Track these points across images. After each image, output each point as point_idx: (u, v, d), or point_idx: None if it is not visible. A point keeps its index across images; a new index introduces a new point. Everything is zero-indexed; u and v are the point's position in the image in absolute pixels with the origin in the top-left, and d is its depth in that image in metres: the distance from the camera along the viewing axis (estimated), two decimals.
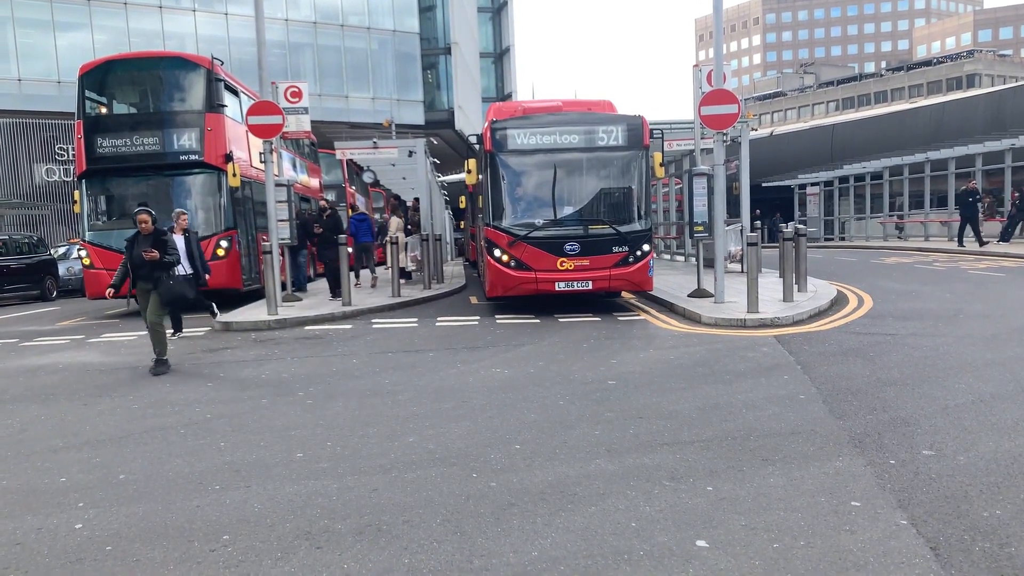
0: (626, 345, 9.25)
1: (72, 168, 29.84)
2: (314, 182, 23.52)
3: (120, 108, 16.50)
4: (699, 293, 12.53)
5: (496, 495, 4.41)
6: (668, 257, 23.64)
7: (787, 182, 39.88)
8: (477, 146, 13.85)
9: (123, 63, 17.00)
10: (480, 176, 12.52)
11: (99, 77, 15.79)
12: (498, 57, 61.01)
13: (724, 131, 11.47)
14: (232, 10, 37.82)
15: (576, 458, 5.02)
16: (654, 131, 12.10)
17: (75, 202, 15.31)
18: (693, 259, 19.82)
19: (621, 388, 6.99)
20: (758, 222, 30.53)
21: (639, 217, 11.91)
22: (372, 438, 5.67)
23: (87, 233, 15.32)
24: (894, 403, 6.11)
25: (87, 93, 15.41)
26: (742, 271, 15.25)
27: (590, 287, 11.57)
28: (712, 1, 11.42)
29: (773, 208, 40.55)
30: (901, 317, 10.52)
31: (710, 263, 12.70)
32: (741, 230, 16.17)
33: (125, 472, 5.08)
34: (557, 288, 11.55)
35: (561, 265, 11.46)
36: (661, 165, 12.36)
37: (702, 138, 14.93)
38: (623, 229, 11.66)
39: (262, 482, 4.79)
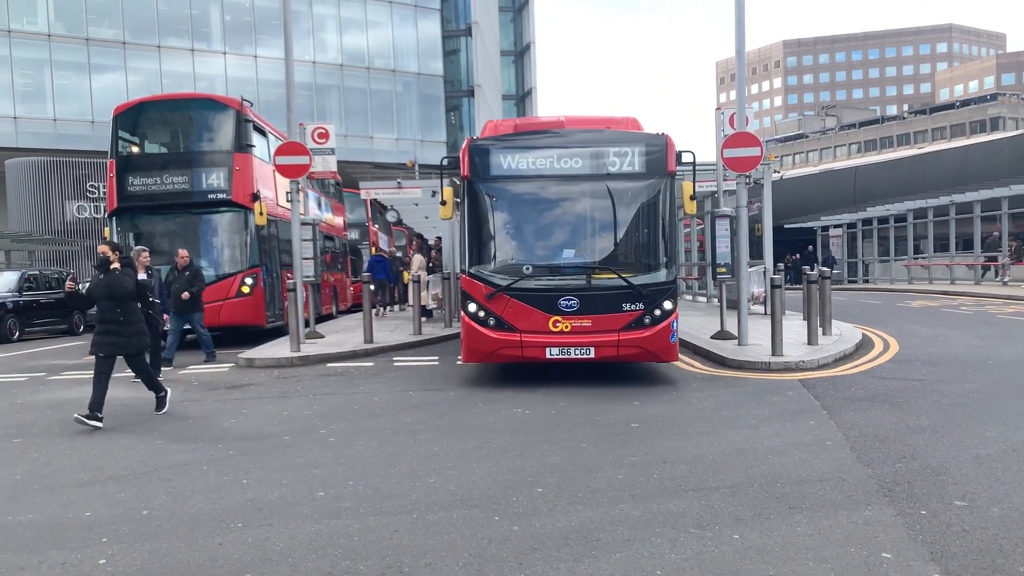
0: (647, 387, 9.18)
1: (102, 205, 30.48)
2: (338, 220, 23.81)
3: (152, 147, 16.88)
4: (722, 335, 12.45)
5: (519, 539, 4.37)
6: (690, 298, 23.56)
7: (809, 224, 39.75)
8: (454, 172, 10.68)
9: (155, 104, 17.45)
10: (457, 210, 9.75)
11: (132, 117, 16.19)
12: (520, 99, 61.81)
13: (747, 173, 11.50)
14: (260, 53, 38.77)
15: (600, 503, 4.96)
16: (683, 155, 9.42)
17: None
18: (715, 300, 19.76)
19: (644, 431, 6.93)
20: (783, 263, 30.35)
21: (660, 265, 9.22)
22: (393, 478, 5.65)
23: None
24: (924, 451, 6.00)
25: (120, 133, 15.79)
26: (765, 313, 15.16)
27: (592, 355, 8.96)
28: (734, 44, 11.55)
29: (794, 250, 40.37)
30: (929, 362, 10.37)
31: (732, 304, 12.64)
32: (764, 272, 16.10)
33: (148, 508, 5.09)
34: (548, 355, 8.97)
35: (554, 325, 8.90)
36: (692, 198, 9.79)
37: (724, 180, 14.97)
38: (638, 280, 9.01)
39: (284, 521, 4.78)
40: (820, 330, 12.06)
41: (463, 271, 9.41)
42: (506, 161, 9.27)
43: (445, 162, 10.22)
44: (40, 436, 7.48)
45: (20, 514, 5.05)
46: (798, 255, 38.59)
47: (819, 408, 7.67)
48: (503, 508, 4.89)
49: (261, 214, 14.52)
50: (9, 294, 19.54)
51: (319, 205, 20.33)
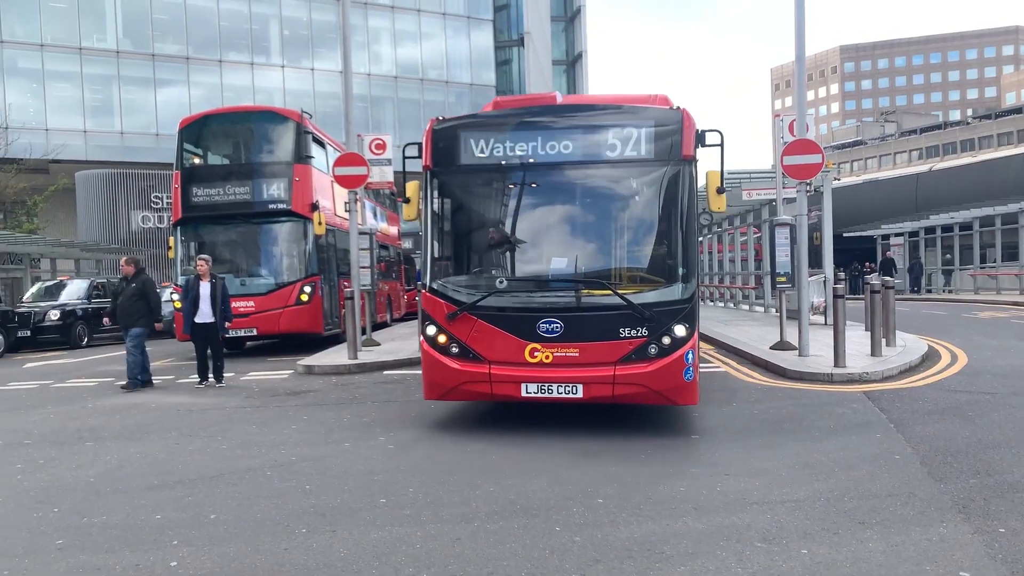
0: (707, 398, 9.02)
1: (165, 215, 31.43)
2: (393, 230, 24.11)
3: (215, 159, 17.34)
4: (782, 345, 12.21)
5: (580, 550, 4.34)
6: (747, 307, 23.19)
7: (869, 232, 38.78)
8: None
9: (219, 117, 17.94)
10: (420, 208, 7.70)
11: (196, 130, 16.67)
12: None
13: (807, 181, 11.28)
14: (317, 65, 39.60)
15: (662, 515, 4.90)
16: (706, 134, 7.32)
17: (170, 248, 16.04)
18: (772, 310, 19.41)
19: (705, 443, 6.83)
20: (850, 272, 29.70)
21: (672, 278, 7.06)
22: (453, 486, 5.67)
23: (179, 277, 16.01)
24: (999, 466, 5.78)
25: (185, 145, 16.27)
26: (825, 323, 14.82)
27: (579, 395, 6.90)
28: (794, 50, 11.36)
29: (852, 259, 39.42)
30: (1000, 375, 10.00)
31: (791, 314, 12.38)
32: (824, 281, 15.75)
33: (216, 512, 5.21)
34: (523, 394, 7.01)
35: (531, 355, 6.93)
36: (720, 192, 7.42)
37: (784, 187, 14.71)
38: (641, 298, 6.92)
39: (347, 527, 4.83)
40: (884, 341, 11.73)
41: (423, 285, 7.51)
42: (477, 146, 7.36)
43: (407, 151, 7.77)
44: (110, 440, 7.72)
45: (95, 516, 5.21)
46: (867, 264, 37.69)
47: (885, 421, 7.45)
48: (563, 519, 4.87)
49: (320, 224, 14.78)
50: (79, 301, 20.27)
51: (375, 215, 20.62)
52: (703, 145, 7.29)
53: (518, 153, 7.30)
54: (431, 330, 7.33)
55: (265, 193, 15.62)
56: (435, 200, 7.60)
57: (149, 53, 36.89)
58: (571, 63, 62.44)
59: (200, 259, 11.40)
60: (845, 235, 37.56)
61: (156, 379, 11.89)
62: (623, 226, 7.56)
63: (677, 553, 4.25)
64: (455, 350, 7.22)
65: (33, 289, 22.63)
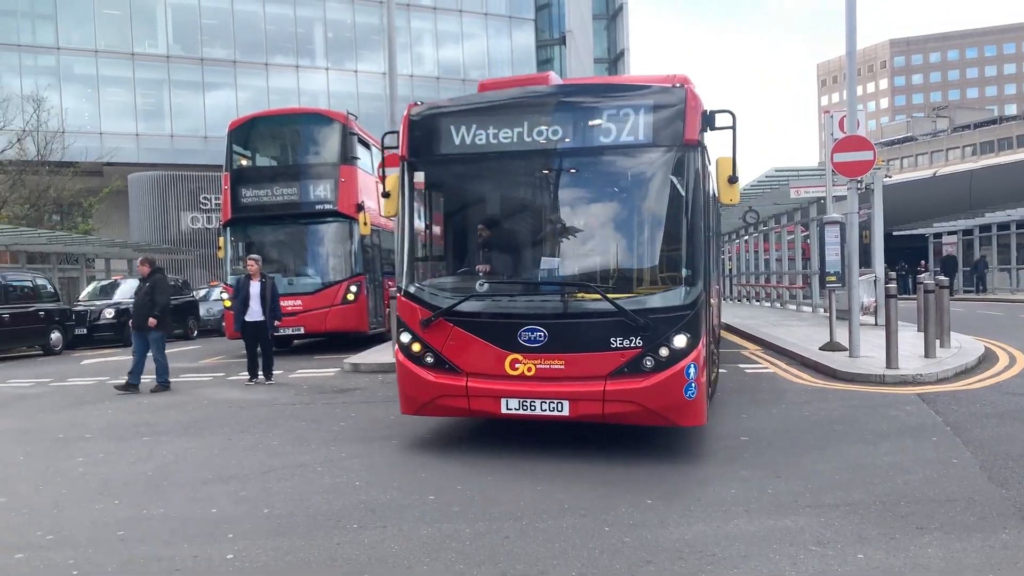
0: (755, 399, 8.93)
1: (214, 216, 32.10)
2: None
3: (263, 161, 17.64)
4: (831, 346, 11.99)
5: (631, 551, 4.32)
6: (794, 307, 22.83)
7: (921, 230, 37.85)
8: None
9: (267, 119, 18.25)
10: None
11: (245, 132, 16.99)
12: None
13: (858, 178, 11.07)
14: (361, 68, 40.05)
15: (712, 516, 4.86)
16: (716, 115, 6.38)
17: (219, 248, 16.37)
18: (821, 310, 19.07)
19: (754, 445, 6.74)
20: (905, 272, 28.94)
21: (673, 280, 6.22)
22: (501, 483, 5.69)
23: (229, 276, 16.33)
24: None
25: (234, 147, 16.58)
26: (875, 324, 14.52)
27: (565, 413, 6.16)
28: (845, 45, 11.14)
29: (901, 258, 38.51)
30: None
31: (841, 315, 12.16)
32: (875, 281, 15.43)
33: (269, 506, 5.30)
34: (503, 410, 6.29)
35: (512, 367, 6.23)
36: (732, 181, 6.51)
37: (833, 185, 14.45)
38: (635, 304, 6.08)
39: (397, 523, 4.88)
40: (938, 342, 11.45)
41: (398, 289, 6.87)
42: (455, 134, 6.63)
43: (387, 140, 7.22)
44: (165, 435, 7.91)
45: (153, 508, 5.35)
46: (921, 263, 36.81)
47: (941, 424, 7.27)
48: (613, 518, 4.85)
49: (365, 224, 14.94)
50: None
51: None
52: (712, 128, 6.37)
53: (501, 141, 6.51)
54: (405, 338, 6.64)
55: (312, 194, 15.85)
56: (411, 194, 6.81)
57: (198, 57, 37.72)
58: (613, 61, 62.15)
59: (251, 259, 11.62)
60: (894, 234, 36.72)
61: (207, 376, 12.16)
62: (616, 221, 6.79)
63: (729, 555, 4.21)
64: (430, 360, 6.52)
65: (89, 288, 23.32)
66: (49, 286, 19.59)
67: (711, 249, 6.95)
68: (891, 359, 10.01)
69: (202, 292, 25.96)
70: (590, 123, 6.37)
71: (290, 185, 15.98)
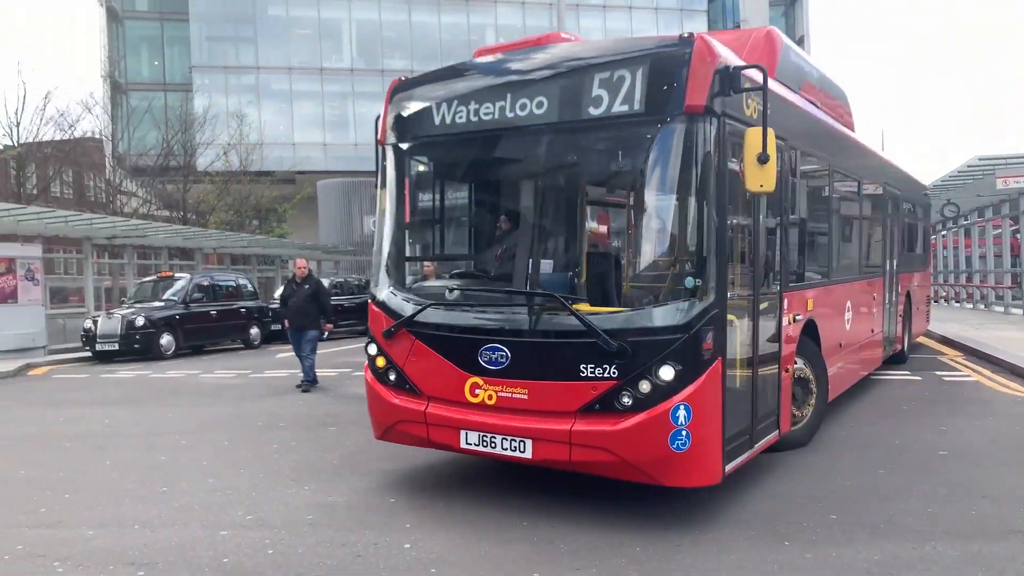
0: (955, 410, 8.15)
1: None
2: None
3: None
4: None
5: (814, 569, 4.07)
6: (1001, 309, 20.68)
7: None
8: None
9: None
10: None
11: None
12: None
13: None
14: None
15: (905, 537, 4.47)
16: (740, 74, 4.83)
17: None
18: None
19: (955, 460, 6.14)
20: None
21: (669, 290, 4.80)
22: (672, 492, 5.55)
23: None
24: None
25: None
26: None
27: (527, 454, 4.96)
28: None
29: None
30: None
31: None
32: None
33: (444, 501, 5.47)
34: (462, 444, 5.24)
35: (472, 392, 5.15)
36: (762, 159, 4.66)
37: None
38: (611, 320, 4.77)
39: (565, 521, 4.88)
40: None
41: (371, 296, 5.98)
42: (437, 111, 5.52)
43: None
44: (351, 426, 8.37)
45: (338, 496, 5.68)
46: None
47: None
48: (793, 532, 4.59)
49: None
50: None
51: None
52: (735, 91, 4.80)
53: (483, 118, 5.30)
54: (372, 349, 5.76)
55: None
56: (386, 185, 5.93)
57: (379, 69, 39.91)
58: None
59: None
60: None
61: None
62: (602, 217, 5.61)
63: None
64: (392, 378, 5.59)
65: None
66: (249, 285, 21.37)
67: (766, 245, 5.60)
68: None
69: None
70: (574, 93, 5.02)
71: None
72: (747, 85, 4.84)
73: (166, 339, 16.43)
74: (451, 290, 5.71)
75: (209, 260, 26.74)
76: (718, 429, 4.70)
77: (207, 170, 33.31)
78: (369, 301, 5.93)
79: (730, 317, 4.89)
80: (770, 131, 4.63)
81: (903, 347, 11.11)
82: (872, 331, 9.12)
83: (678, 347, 4.55)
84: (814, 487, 5.52)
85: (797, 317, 6.17)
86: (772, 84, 5.27)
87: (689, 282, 4.64)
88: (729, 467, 4.83)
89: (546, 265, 5.39)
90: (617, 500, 5.26)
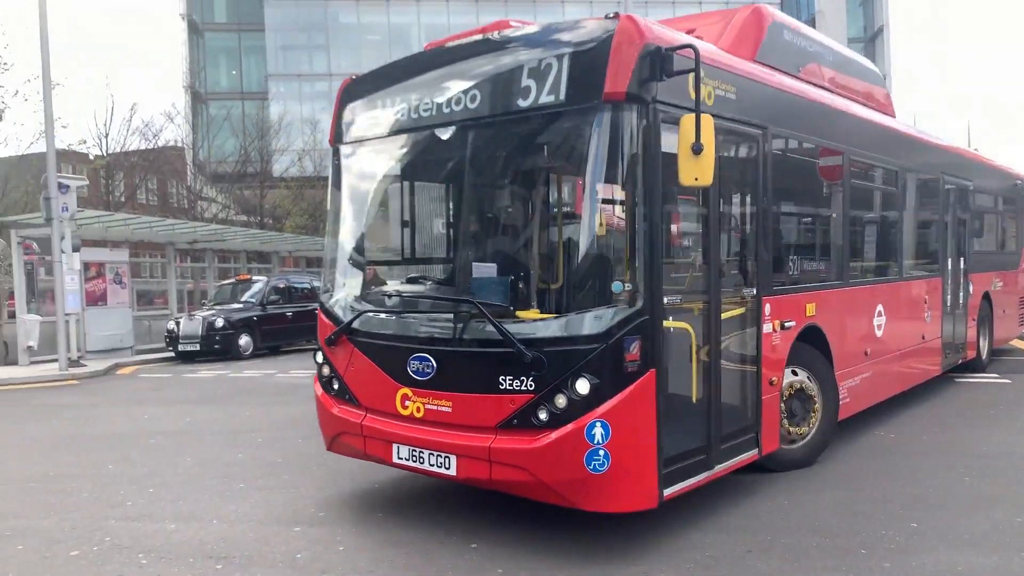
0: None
1: None
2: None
3: None
4: None
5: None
6: None
7: None
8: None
9: None
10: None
11: None
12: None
13: None
14: None
15: (993, 547, 4.27)
16: (673, 56, 4.36)
17: None
18: None
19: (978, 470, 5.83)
20: None
21: (590, 295, 4.46)
22: (751, 496, 5.44)
23: None
24: None
25: None
26: None
27: (452, 471, 4.66)
28: None
29: None
30: None
31: None
32: None
33: (508, 502, 5.49)
34: (394, 459, 4.96)
35: (403, 404, 4.89)
36: (696, 150, 4.18)
37: None
38: (528, 328, 4.44)
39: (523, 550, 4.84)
40: None
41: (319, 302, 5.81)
42: (377, 110, 5.40)
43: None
44: None
45: (406, 502, 5.76)
46: None
47: None
48: (871, 540, 4.44)
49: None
50: None
51: None
52: (667, 75, 4.36)
53: (421, 114, 5.08)
54: (319, 357, 5.54)
55: None
56: (333, 187, 5.78)
57: None
58: (870, 39, 57.21)
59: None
60: None
61: None
62: (524, 215, 5.18)
63: None
64: (336, 387, 5.37)
65: None
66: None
67: (719, 248, 5.02)
68: None
69: None
70: (504, 85, 4.71)
71: None
72: (682, 67, 4.34)
73: (244, 340, 16.99)
74: (387, 296, 5.49)
75: (285, 263, 27.52)
76: (650, 449, 4.28)
77: (282, 176, 34.28)
78: (318, 307, 5.74)
79: (673, 324, 4.55)
80: (707, 118, 4.23)
81: (979, 353, 10.21)
82: (924, 337, 8.33)
83: (595, 358, 4.17)
84: (878, 492, 5.33)
85: (787, 324, 5.61)
86: (742, 65, 5.27)
87: (617, 287, 4.25)
88: (671, 491, 4.43)
89: (483, 269, 4.90)
90: (560, 521, 4.87)
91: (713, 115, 4.41)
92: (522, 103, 4.55)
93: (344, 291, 5.57)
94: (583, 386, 4.14)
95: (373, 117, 5.41)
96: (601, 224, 4.42)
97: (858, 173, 7.11)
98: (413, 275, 5.76)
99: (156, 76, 76.34)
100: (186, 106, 38.54)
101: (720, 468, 4.89)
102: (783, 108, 5.80)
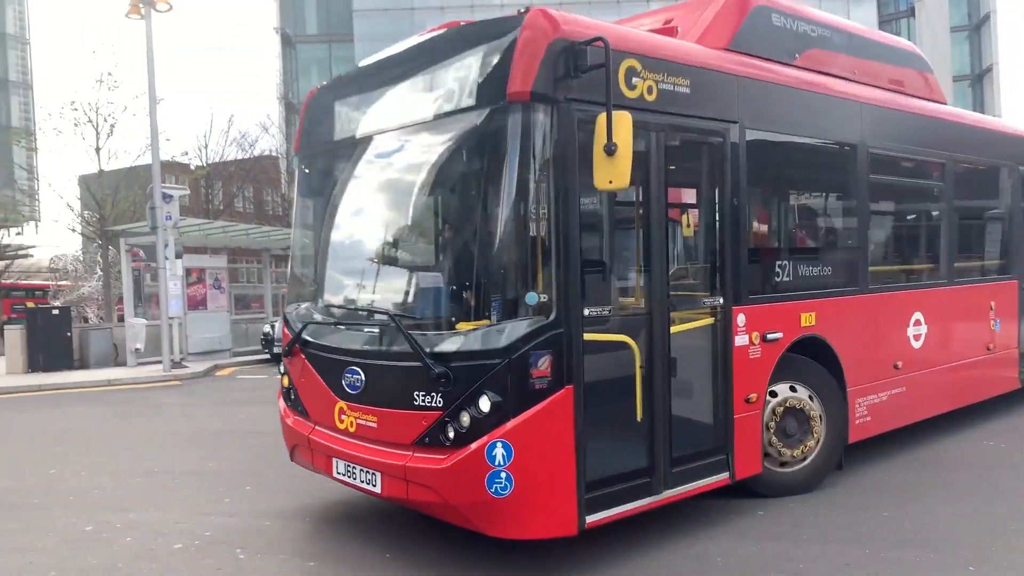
0: None
1: None
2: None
3: None
4: None
5: None
6: None
7: None
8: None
9: None
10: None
11: None
12: (977, 79, 53.76)
13: None
14: None
15: None
16: (586, 50, 4.07)
17: None
18: None
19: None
20: None
21: (498, 306, 4.12)
22: (844, 509, 5.24)
23: None
24: None
25: None
26: None
27: (377, 489, 4.51)
28: None
29: None
30: None
31: None
32: None
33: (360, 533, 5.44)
34: (334, 473, 4.85)
35: (340, 417, 4.78)
36: (609, 150, 3.91)
37: None
38: (434, 342, 4.25)
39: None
40: None
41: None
42: (330, 120, 5.39)
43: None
44: None
45: None
46: None
47: None
48: (978, 558, 4.20)
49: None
50: None
51: None
52: (580, 71, 4.07)
53: (370, 122, 5.05)
54: (282, 367, 5.47)
55: None
56: (297, 197, 5.93)
57: None
58: (975, 27, 54.32)
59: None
60: None
61: None
62: (447, 224, 4.93)
63: None
64: (292, 398, 5.30)
65: None
66: None
67: (657, 256, 4.58)
68: None
69: None
70: (430, 89, 4.59)
71: None
72: (597, 62, 4.00)
73: None
74: (330, 307, 5.30)
75: None
76: (565, 471, 3.98)
77: None
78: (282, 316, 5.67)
79: (607, 337, 4.29)
80: (622, 116, 3.89)
81: None
82: (989, 348, 7.42)
83: (498, 374, 3.90)
84: (996, 508, 5.02)
85: (770, 336, 5.15)
86: (700, 55, 4.89)
87: (531, 298, 3.97)
88: (596, 518, 4.11)
89: (428, 279, 4.82)
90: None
91: (657, 111, 4.30)
92: (446, 107, 4.42)
93: (302, 301, 5.54)
94: (484, 404, 3.92)
95: (324, 128, 5.42)
96: (512, 233, 4.09)
97: (881, 166, 6.32)
98: (354, 287, 5.40)
99: (252, 88, 79.49)
100: (280, 116, 39.95)
101: (671, 493, 4.51)
102: (764, 99, 5.30)
